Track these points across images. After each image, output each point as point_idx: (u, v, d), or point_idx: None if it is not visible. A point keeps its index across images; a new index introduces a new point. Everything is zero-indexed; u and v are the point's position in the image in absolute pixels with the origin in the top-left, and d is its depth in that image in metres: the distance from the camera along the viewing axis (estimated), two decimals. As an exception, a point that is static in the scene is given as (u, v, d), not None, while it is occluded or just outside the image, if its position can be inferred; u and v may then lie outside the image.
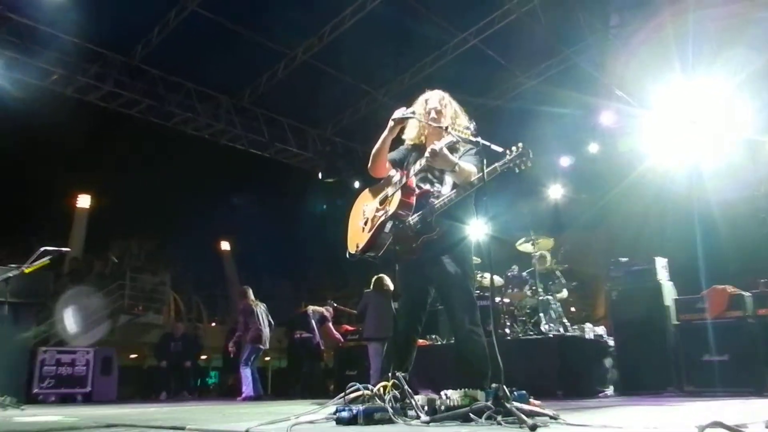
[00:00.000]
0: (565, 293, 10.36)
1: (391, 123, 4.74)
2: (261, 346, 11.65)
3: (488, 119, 12.32)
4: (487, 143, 4.41)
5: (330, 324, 12.99)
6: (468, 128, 4.58)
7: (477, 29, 12.52)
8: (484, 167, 4.35)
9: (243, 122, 14.99)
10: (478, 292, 9.05)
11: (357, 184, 15.89)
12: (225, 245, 22.80)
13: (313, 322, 12.89)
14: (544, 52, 13.02)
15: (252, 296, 12.21)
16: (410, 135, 4.99)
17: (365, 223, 4.94)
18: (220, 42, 11.86)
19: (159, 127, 13.70)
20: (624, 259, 9.33)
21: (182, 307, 18.57)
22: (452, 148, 4.62)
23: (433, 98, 4.89)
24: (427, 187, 4.75)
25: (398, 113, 4.73)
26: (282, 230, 19.07)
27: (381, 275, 10.42)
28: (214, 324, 22.49)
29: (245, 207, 19.17)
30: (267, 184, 17.96)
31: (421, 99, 4.93)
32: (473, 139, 4.46)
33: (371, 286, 10.52)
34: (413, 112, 4.77)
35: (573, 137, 14.40)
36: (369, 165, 4.90)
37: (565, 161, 15.65)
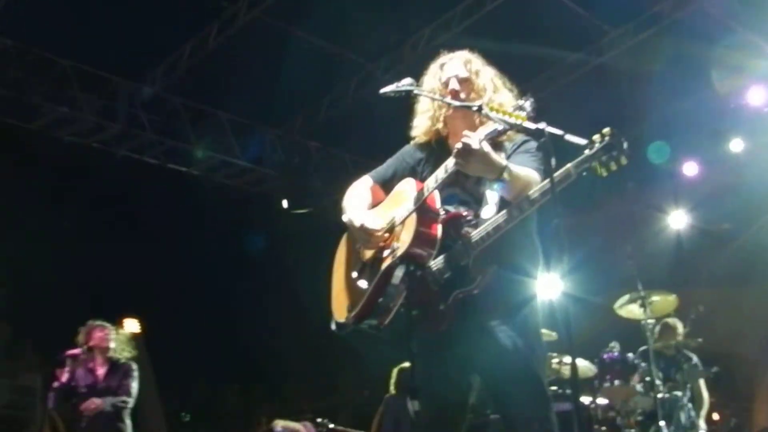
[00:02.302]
0: (701, 387, 7.69)
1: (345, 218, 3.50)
2: None
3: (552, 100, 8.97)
4: (557, 130, 2.91)
5: None
6: (521, 107, 3.06)
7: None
8: (552, 169, 2.88)
9: (153, 119, 10.26)
10: (554, 388, 7.10)
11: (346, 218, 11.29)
12: (131, 325, 12.82)
13: None
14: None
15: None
16: (422, 127, 3.57)
17: (360, 272, 3.43)
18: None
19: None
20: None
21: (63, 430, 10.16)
22: (496, 142, 3.21)
23: (455, 63, 3.49)
24: (458, 209, 3.30)
25: (388, 88, 3.36)
26: (221, 298, 12.24)
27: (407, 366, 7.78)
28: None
29: (161, 264, 11.63)
30: (195, 222, 11.45)
31: (434, 67, 3.54)
32: (531, 125, 2.95)
33: (392, 386, 7.80)
34: (412, 84, 3.36)
35: (703, 128, 10.12)
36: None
37: (690, 169, 10.73)
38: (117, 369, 7.34)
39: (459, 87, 3.37)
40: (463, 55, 3.50)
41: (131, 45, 9.20)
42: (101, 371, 7.29)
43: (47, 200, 10.26)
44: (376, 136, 9.37)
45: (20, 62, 9.16)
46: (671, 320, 7.69)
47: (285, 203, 11.40)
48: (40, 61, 9.37)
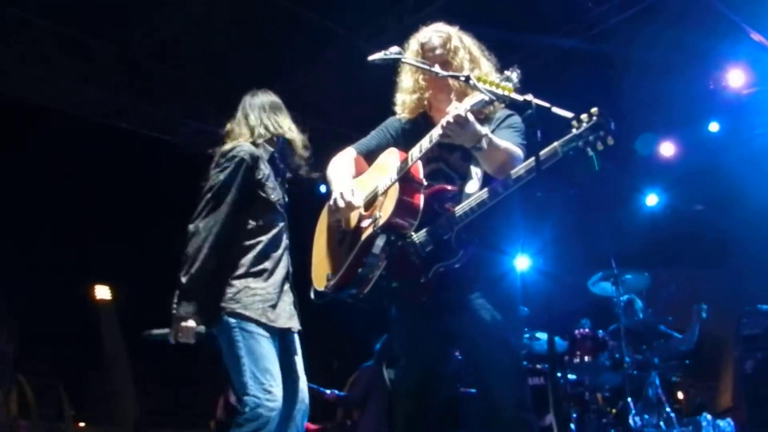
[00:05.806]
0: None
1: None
2: None
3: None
4: (544, 103, 2.83)
5: None
6: (508, 78, 2.95)
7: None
8: (538, 141, 2.84)
9: (131, 84, 9.98)
10: (525, 364, 6.80)
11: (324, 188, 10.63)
12: (102, 292, 13.21)
13: None
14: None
15: None
16: (405, 100, 3.46)
17: (341, 241, 3.37)
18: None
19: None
20: (766, 307, 7.04)
21: (31, 397, 10.64)
22: (480, 115, 3.12)
23: (435, 36, 3.35)
24: (440, 183, 3.23)
25: (376, 56, 3.21)
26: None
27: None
28: (83, 425, 12.71)
29: (135, 228, 11.28)
30: (173, 188, 10.60)
31: (414, 41, 3.40)
32: (518, 96, 2.86)
33: (375, 357, 7.65)
34: (400, 53, 3.24)
35: (680, 110, 9.70)
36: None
37: (667, 149, 10.24)
38: None
39: (441, 57, 3.26)
40: (443, 28, 3.39)
41: (108, 7, 8.99)
42: None
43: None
44: (356, 107, 9.24)
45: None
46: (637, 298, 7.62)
47: None
48: (14, 20, 9.19)
